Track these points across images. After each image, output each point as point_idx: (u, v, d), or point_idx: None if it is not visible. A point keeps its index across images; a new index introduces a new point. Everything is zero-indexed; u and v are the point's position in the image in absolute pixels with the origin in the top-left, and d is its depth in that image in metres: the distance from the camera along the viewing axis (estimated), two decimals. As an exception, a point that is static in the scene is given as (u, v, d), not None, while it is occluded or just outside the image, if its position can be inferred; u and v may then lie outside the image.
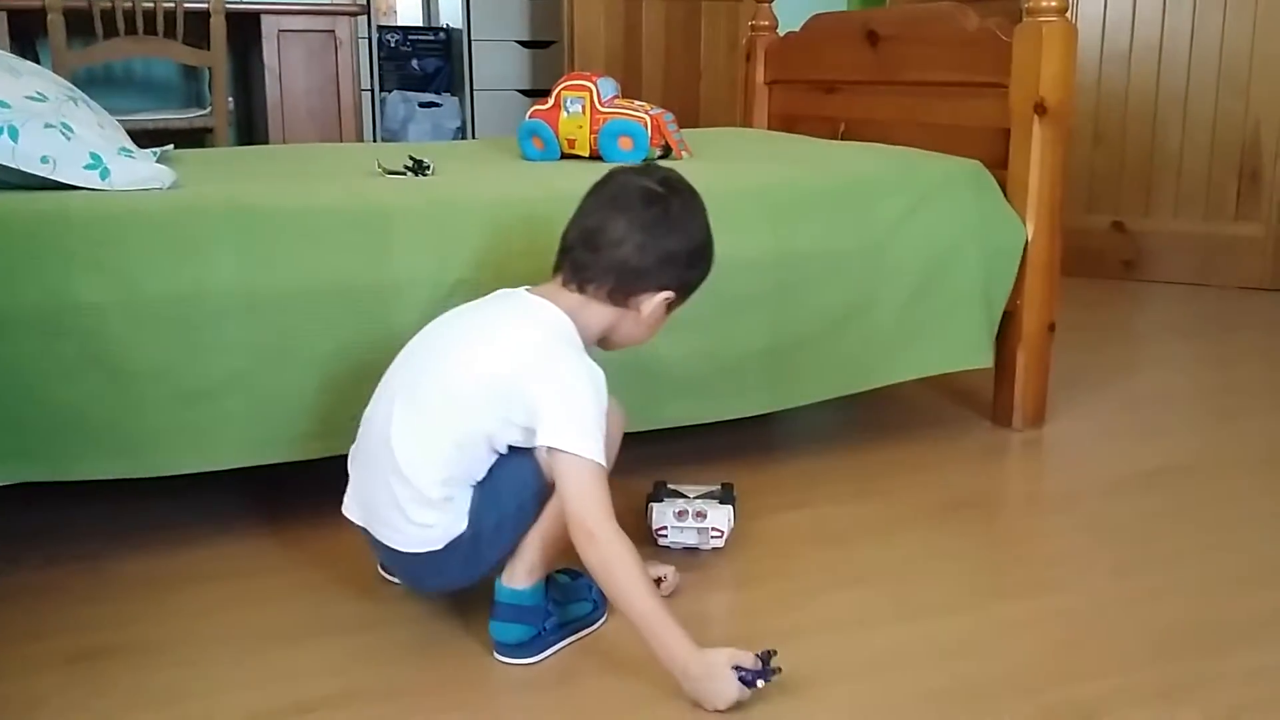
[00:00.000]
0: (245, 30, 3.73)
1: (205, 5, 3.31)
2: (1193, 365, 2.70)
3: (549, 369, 1.32)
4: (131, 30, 3.19)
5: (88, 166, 1.66)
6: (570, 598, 1.42)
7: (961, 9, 2.33)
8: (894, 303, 1.99)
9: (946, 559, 1.65)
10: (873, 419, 2.25)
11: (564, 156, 2.20)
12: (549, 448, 1.29)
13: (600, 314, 1.40)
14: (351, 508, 1.45)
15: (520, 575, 1.36)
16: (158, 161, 1.84)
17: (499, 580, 1.37)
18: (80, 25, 3.18)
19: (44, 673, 1.33)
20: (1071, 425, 2.21)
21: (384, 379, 1.42)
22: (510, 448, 1.35)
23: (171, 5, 3.19)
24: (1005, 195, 2.11)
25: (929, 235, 2.01)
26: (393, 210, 1.70)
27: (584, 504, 1.26)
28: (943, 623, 1.45)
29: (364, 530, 1.43)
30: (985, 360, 2.08)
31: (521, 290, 1.43)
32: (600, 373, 1.34)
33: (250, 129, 4.12)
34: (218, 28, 3.28)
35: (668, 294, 1.41)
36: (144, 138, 2.26)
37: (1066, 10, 2.07)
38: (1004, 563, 1.66)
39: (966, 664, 1.35)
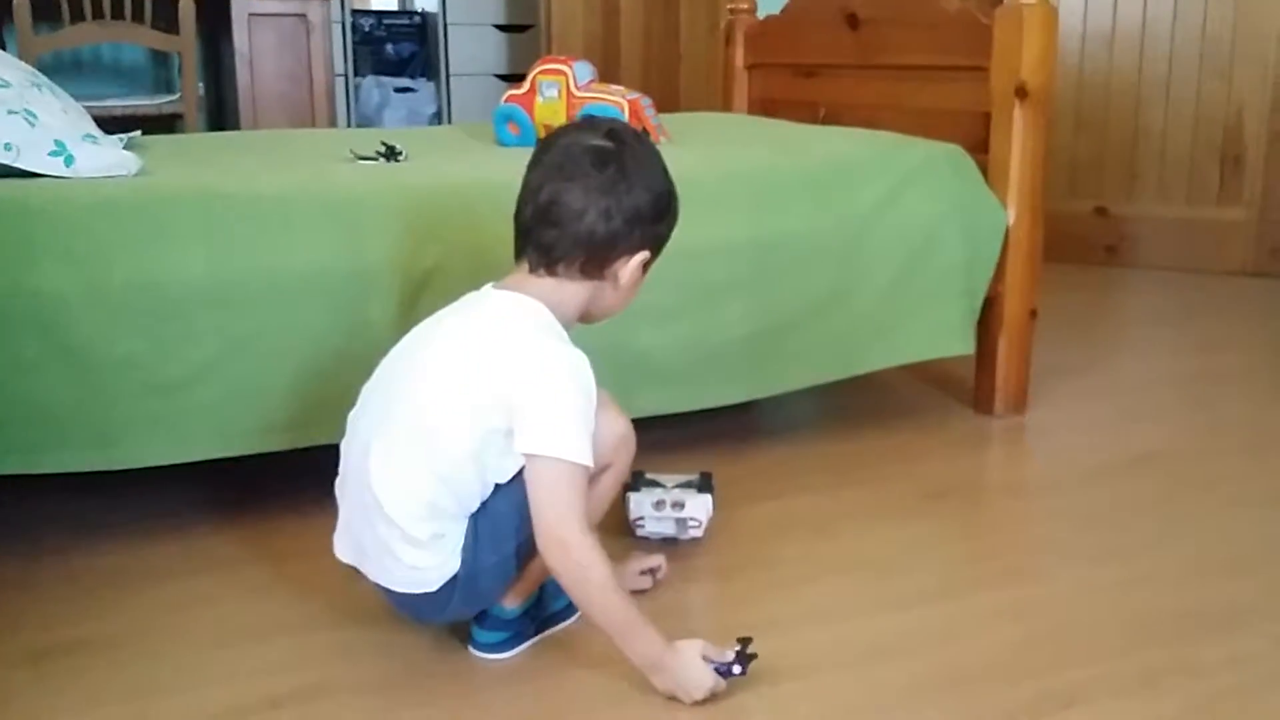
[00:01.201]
0: (215, 14, 3.68)
1: (175, -12, 3.26)
2: (1175, 351, 2.69)
3: (525, 368, 1.22)
4: (99, 15, 3.14)
5: (52, 154, 1.63)
6: (546, 593, 1.40)
7: (942, -9, 2.31)
8: (875, 288, 1.97)
9: (927, 548, 1.64)
10: (852, 406, 2.23)
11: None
12: (524, 454, 1.21)
13: (576, 292, 1.29)
14: (342, 547, 1.34)
15: (511, 597, 1.33)
16: (125, 148, 1.81)
17: None
18: (47, 9, 3.13)
19: (13, 668, 1.30)
20: (1053, 412, 2.20)
21: (358, 405, 1.32)
22: (509, 479, 1.25)
23: (140, -12, 3.15)
24: (986, 180, 2.09)
25: (909, 220, 1.99)
26: (364, 197, 1.67)
27: (555, 510, 1.19)
28: (924, 612, 1.44)
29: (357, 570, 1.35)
30: (967, 347, 2.06)
31: (488, 289, 1.32)
32: (584, 362, 1.24)
33: (221, 115, 4.07)
34: (186, 12, 3.22)
35: (643, 254, 1.31)
36: (112, 124, 2.23)
37: (1047, -7, 2.06)
38: (985, 551, 1.64)
39: (947, 653, 1.34)
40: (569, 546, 1.19)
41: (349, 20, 5.05)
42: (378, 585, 1.31)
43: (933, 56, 2.29)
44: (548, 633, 1.38)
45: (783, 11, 2.82)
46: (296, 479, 1.51)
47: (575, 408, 1.22)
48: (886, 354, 2.01)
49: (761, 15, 2.93)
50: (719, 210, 1.84)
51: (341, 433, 1.33)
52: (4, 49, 3.48)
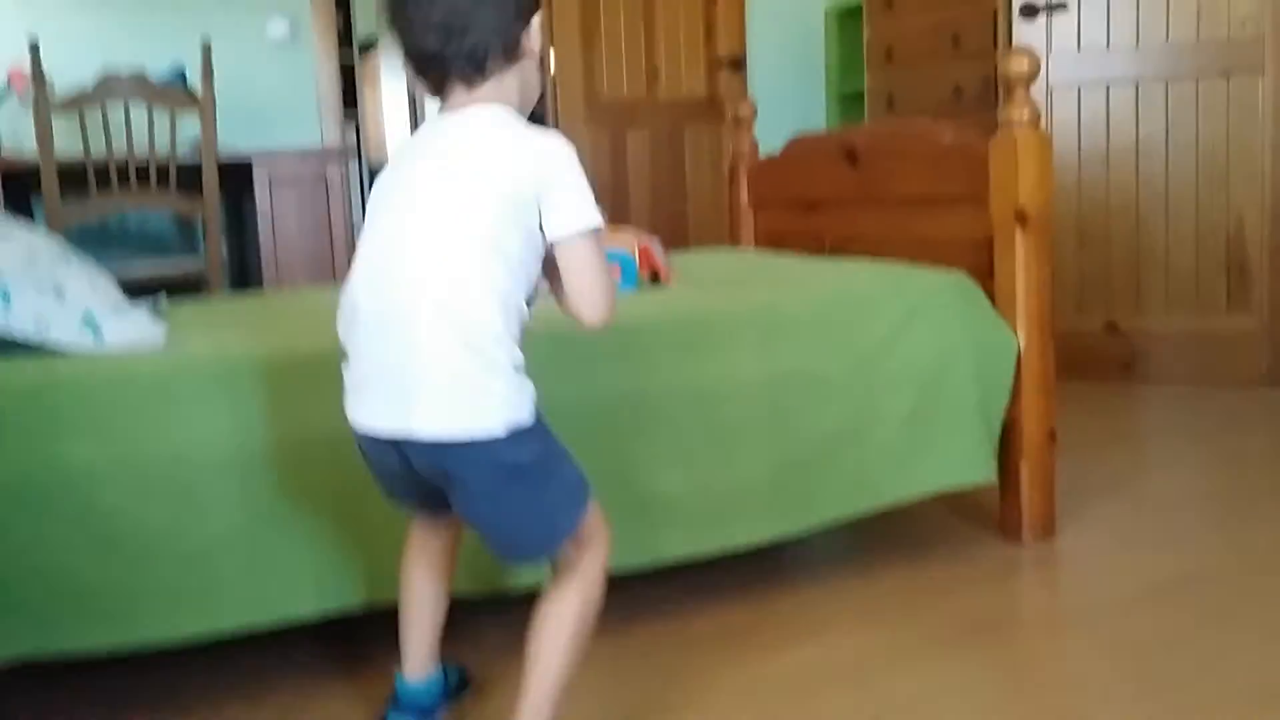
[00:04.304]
0: (237, 177, 3.80)
1: (198, 156, 3.37)
2: (1199, 467, 2.67)
3: (539, 159, 1.25)
4: (125, 184, 3.24)
5: (80, 328, 1.67)
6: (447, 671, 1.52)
7: (936, 124, 2.38)
8: (891, 420, 1.97)
9: (965, 690, 1.60)
10: (876, 539, 2.21)
11: (554, 289, 2.21)
12: (561, 236, 1.25)
13: (510, 83, 1.31)
14: (370, 411, 1.25)
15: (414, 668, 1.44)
16: (151, 315, 1.85)
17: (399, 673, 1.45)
18: (74, 180, 3.24)
19: None
20: (1082, 536, 2.18)
21: (368, 248, 1.29)
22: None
23: (165, 157, 3.26)
24: (994, 305, 2.12)
25: (920, 350, 2.01)
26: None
27: (600, 281, 1.28)
28: (964, 755, 1.40)
29: (391, 471, 1.29)
30: (988, 475, 2.06)
31: (444, 115, 1.31)
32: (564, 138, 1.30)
33: (244, 273, 4.17)
34: (210, 178, 3.34)
35: (537, 15, 1.32)
36: (139, 288, 2.29)
37: (1039, 120, 2.11)
38: (1025, 691, 1.61)
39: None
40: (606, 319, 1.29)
41: (367, 175, 5.21)
42: (424, 467, 1.25)
43: (932, 187, 2.34)
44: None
45: (783, 151, 2.90)
46: (325, 647, 1.50)
47: (583, 178, 1.27)
48: (908, 486, 2.00)
49: (763, 155, 3.01)
50: (731, 349, 1.87)
51: (370, 599, 1.33)
52: (34, 220, 3.60)
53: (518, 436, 1.23)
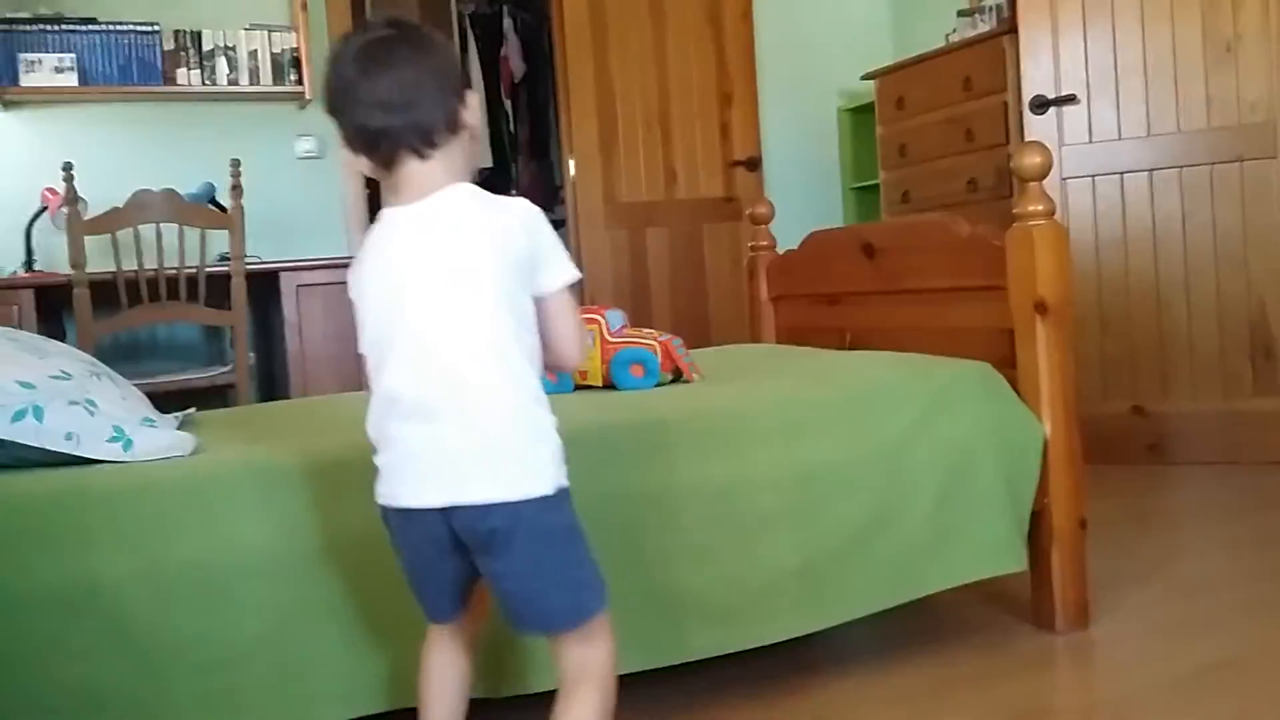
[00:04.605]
0: (265, 287, 3.88)
1: (226, 267, 3.45)
2: (1231, 549, 2.63)
3: (520, 228, 1.34)
4: (155, 297, 3.31)
5: (110, 440, 1.69)
6: None
7: (952, 218, 2.40)
8: (918, 511, 1.96)
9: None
10: (907, 631, 2.18)
11: (577, 388, 2.23)
12: (550, 291, 1.37)
13: (455, 154, 1.37)
14: (418, 487, 1.29)
15: None
16: (180, 427, 1.88)
17: None
18: (105, 296, 3.31)
19: None
20: (1117, 624, 2.14)
21: (388, 354, 1.33)
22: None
23: (193, 270, 3.33)
24: (1018, 394, 2.11)
25: (945, 440, 2.01)
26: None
27: (578, 327, 1.43)
28: None
29: (426, 553, 1.34)
30: (1019, 563, 2.03)
31: (403, 208, 1.36)
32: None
33: (271, 381, 4.22)
34: (238, 288, 3.41)
35: (469, 91, 1.40)
36: (168, 398, 2.32)
37: (1054, 212, 2.13)
38: (1065, 783, 1.57)
39: None
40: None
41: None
42: (464, 533, 1.30)
43: (950, 279, 2.36)
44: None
45: (801, 246, 2.94)
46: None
47: (554, 236, 1.40)
48: (938, 577, 1.98)
49: (781, 250, 3.05)
50: (755, 443, 1.87)
51: (395, 703, 1.32)
52: (64, 337, 3.67)
53: (561, 497, 1.32)
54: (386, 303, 1.34)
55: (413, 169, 1.35)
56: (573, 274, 1.39)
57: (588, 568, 1.35)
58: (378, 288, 1.36)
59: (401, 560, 1.40)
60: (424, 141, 1.34)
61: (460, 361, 1.29)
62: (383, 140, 1.34)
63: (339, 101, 1.35)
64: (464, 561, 1.34)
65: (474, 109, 1.40)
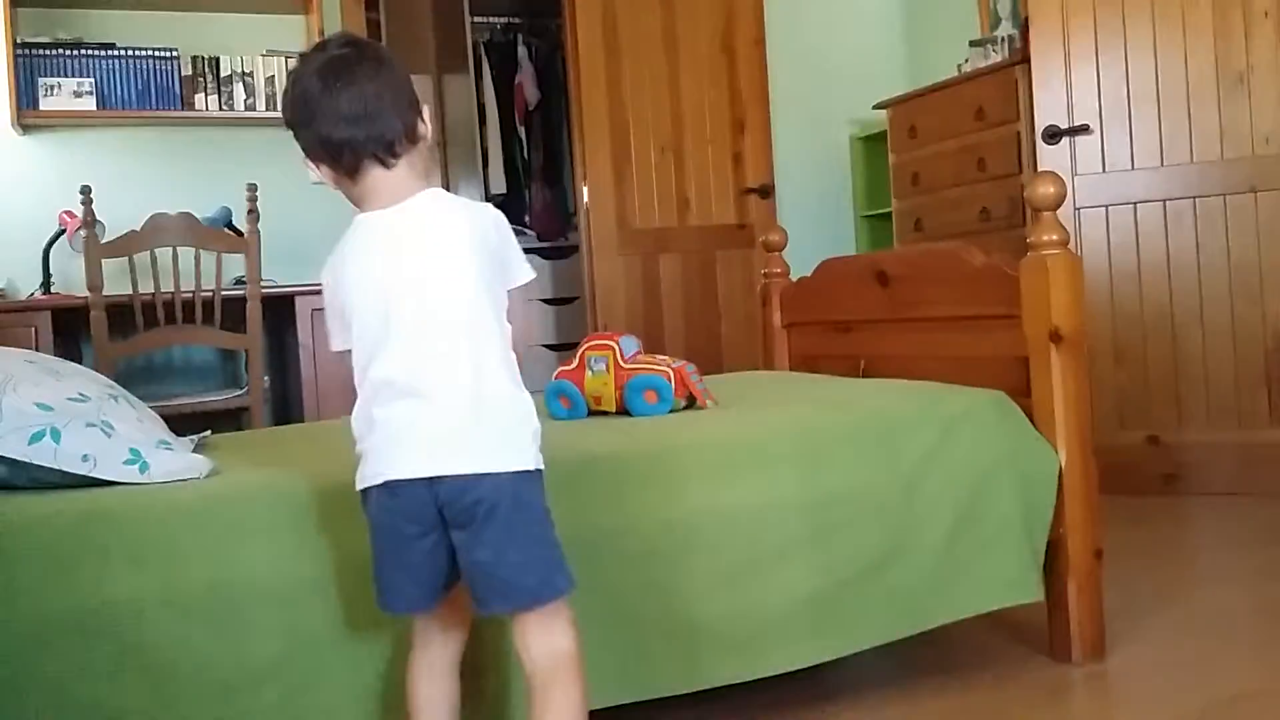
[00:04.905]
0: (280, 311, 3.90)
1: (242, 291, 3.47)
2: (1247, 581, 2.61)
3: (489, 229, 1.44)
4: (171, 320, 3.33)
5: (127, 462, 1.70)
6: None
7: (966, 247, 2.41)
8: (933, 540, 1.95)
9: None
10: (922, 661, 2.17)
11: (591, 414, 2.24)
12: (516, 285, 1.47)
13: (416, 161, 1.45)
14: (410, 460, 1.35)
15: None
16: (195, 449, 1.89)
17: None
18: (122, 319, 3.33)
19: None
20: (1135, 655, 2.12)
21: (379, 348, 1.39)
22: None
23: (209, 294, 3.35)
24: (1033, 423, 2.11)
25: (960, 469, 2.00)
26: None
27: None
28: None
29: (405, 530, 1.37)
30: (1034, 594, 2.02)
31: (393, 212, 1.43)
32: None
33: (286, 404, 4.23)
34: (254, 312, 3.42)
35: (425, 106, 1.47)
36: (183, 421, 2.33)
37: (1068, 241, 2.13)
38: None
39: None
40: None
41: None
42: (446, 505, 1.35)
43: (964, 308, 2.36)
44: None
45: (815, 273, 2.94)
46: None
47: (515, 239, 1.49)
48: (952, 607, 1.97)
49: (794, 277, 3.05)
50: (769, 471, 1.87)
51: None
52: (80, 359, 3.69)
53: (539, 477, 1.41)
54: (376, 301, 1.40)
55: (378, 176, 1.43)
56: (530, 274, 1.50)
57: (558, 550, 1.41)
58: (367, 289, 1.41)
59: (377, 545, 1.41)
60: (387, 151, 1.42)
61: (451, 344, 1.37)
62: (346, 150, 1.41)
63: (302, 115, 1.42)
64: (441, 543, 1.38)
65: (428, 121, 1.49)
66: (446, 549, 1.39)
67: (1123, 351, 3.59)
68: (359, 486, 1.41)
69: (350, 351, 1.44)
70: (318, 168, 1.46)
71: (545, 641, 1.38)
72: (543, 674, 1.37)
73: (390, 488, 1.36)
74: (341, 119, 1.40)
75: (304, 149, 1.45)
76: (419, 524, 1.37)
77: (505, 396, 1.39)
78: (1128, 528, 3.03)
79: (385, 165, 1.42)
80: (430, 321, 1.38)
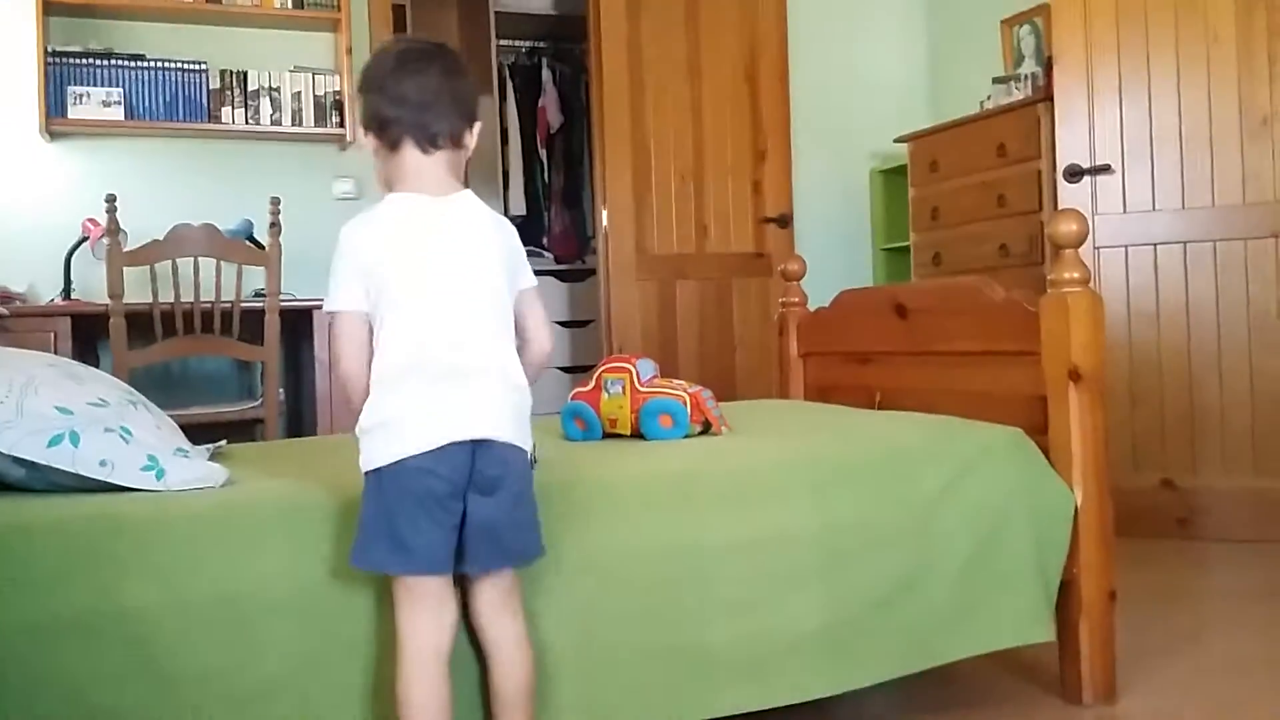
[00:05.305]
0: (297, 324, 3.91)
1: (261, 303, 3.48)
2: (1260, 628, 2.58)
3: (510, 234, 1.66)
4: (189, 330, 3.34)
5: (144, 468, 1.71)
6: None
7: (987, 282, 2.40)
8: (946, 576, 1.94)
9: None
10: (932, 699, 2.15)
11: (606, 436, 2.24)
12: (525, 289, 1.67)
13: (455, 162, 1.63)
14: (457, 423, 1.49)
15: None
16: (210, 458, 1.89)
17: None
18: (140, 327, 3.34)
19: None
20: (1146, 699, 2.10)
21: (416, 304, 1.54)
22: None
23: (228, 305, 3.37)
24: (1049, 461, 2.10)
25: (975, 505, 1.99)
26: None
27: (547, 321, 1.72)
28: None
29: (441, 488, 1.48)
30: (1046, 634, 2.01)
31: (436, 202, 1.58)
32: None
33: (299, 417, 4.24)
34: (271, 325, 3.43)
35: (477, 123, 1.65)
36: (198, 430, 2.34)
37: (1090, 279, 2.13)
38: None
39: None
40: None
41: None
42: (478, 463, 1.50)
43: (983, 343, 2.36)
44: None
45: (833, 304, 2.94)
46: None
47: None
48: (963, 644, 1.96)
49: (812, 308, 3.05)
50: (783, 500, 1.86)
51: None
52: (98, 366, 3.71)
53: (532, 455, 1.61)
54: (417, 275, 1.54)
55: (415, 158, 1.60)
56: (534, 279, 1.71)
57: (539, 521, 1.60)
58: (408, 261, 1.55)
59: (406, 510, 1.48)
60: (428, 140, 1.59)
61: (490, 330, 1.57)
62: (392, 126, 1.59)
63: (368, 85, 1.61)
64: (460, 509, 1.50)
65: (474, 137, 1.65)
66: (461, 513, 1.51)
67: (1139, 393, 3.57)
68: (397, 457, 1.48)
69: (340, 314, 1.57)
70: (366, 135, 1.62)
71: (510, 616, 1.56)
72: (508, 644, 1.55)
73: (437, 453, 1.47)
74: (398, 99, 1.57)
75: (361, 117, 1.63)
76: (452, 486, 1.49)
77: (523, 386, 1.59)
78: (1139, 570, 3.01)
79: (422, 150, 1.59)
80: (476, 305, 1.56)
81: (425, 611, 1.51)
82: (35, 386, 1.72)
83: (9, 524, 1.52)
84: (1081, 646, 2.07)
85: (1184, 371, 3.52)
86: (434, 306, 1.54)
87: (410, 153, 1.59)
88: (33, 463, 1.66)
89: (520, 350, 1.64)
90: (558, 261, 6.20)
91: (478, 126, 1.65)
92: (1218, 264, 3.47)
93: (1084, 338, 2.10)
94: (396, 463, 1.48)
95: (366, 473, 1.52)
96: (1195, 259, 3.50)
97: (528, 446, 1.58)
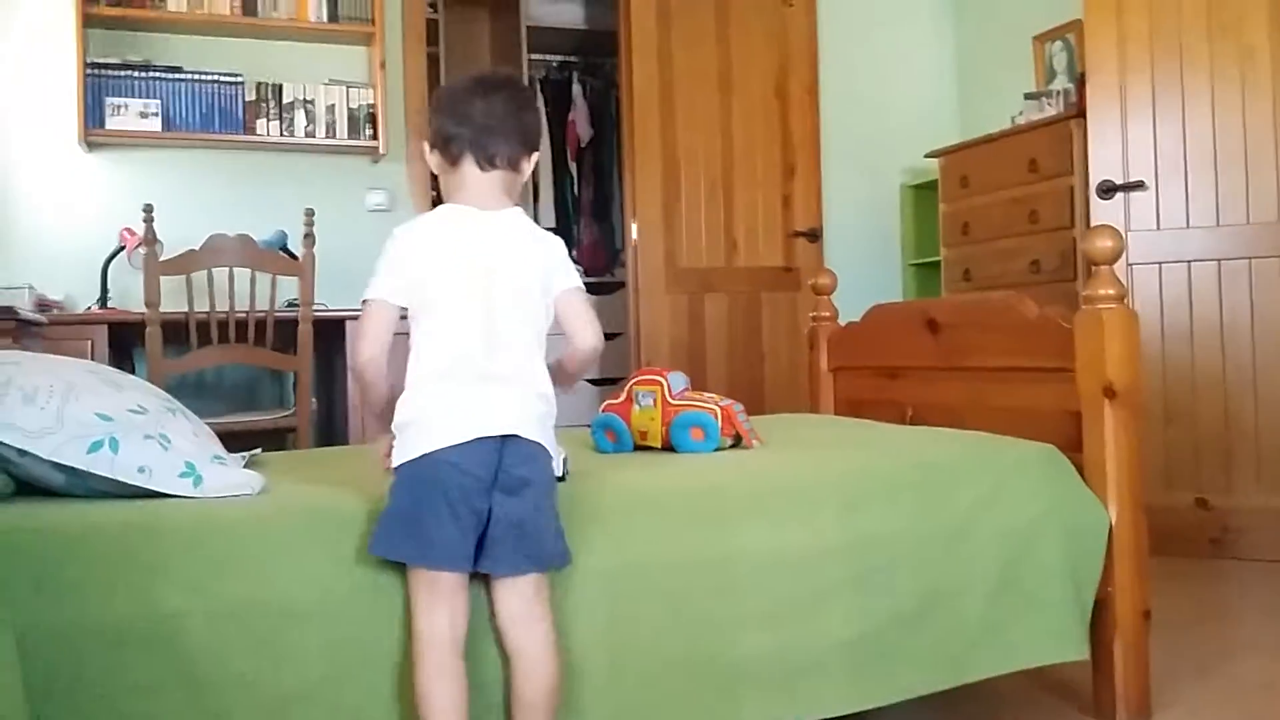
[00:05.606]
0: (330, 334, 3.94)
1: (294, 313, 3.51)
2: (1299, 649, 2.56)
3: (556, 246, 1.74)
4: (224, 339, 3.37)
5: (182, 475, 1.72)
6: None
7: (1020, 298, 2.39)
8: (978, 592, 1.93)
9: None
10: (962, 715, 2.14)
11: (637, 448, 2.24)
12: (568, 289, 1.72)
13: (510, 184, 1.71)
14: (489, 420, 1.55)
15: None
16: (245, 466, 1.91)
17: None
18: (175, 335, 3.38)
19: None
20: (1178, 719, 2.08)
21: (459, 307, 1.61)
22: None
23: (263, 314, 3.40)
24: (1083, 478, 2.09)
25: (1008, 522, 1.98)
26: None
27: (595, 320, 1.76)
28: None
29: (468, 484, 1.52)
30: (1080, 652, 1.99)
31: (484, 215, 1.67)
32: None
33: (330, 427, 4.26)
34: (305, 334, 3.46)
35: (537, 153, 1.73)
36: (230, 438, 2.35)
37: (1125, 296, 2.12)
38: None
39: None
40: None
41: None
42: (507, 461, 1.55)
43: (1016, 359, 2.35)
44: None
45: (864, 318, 2.94)
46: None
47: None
48: (996, 661, 1.95)
49: (843, 322, 3.05)
50: (813, 514, 1.86)
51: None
52: (134, 373, 3.74)
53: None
54: (462, 281, 1.62)
55: (473, 174, 1.68)
56: (579, 280, 1.75)
57: (562, 528, 1.62)
58: (454, 267, 1.63)
59: (432, 503, 1.52)
60: (486, 160, 1.67)
61: (526, 339, 1.64)
62: (453, 143, 1.68)
63: (440, 107, 1.70)
64: (485, 506, 1.54)
65: (532, 165, 1.74)
66: (486, 513, 1.54)
67: (1172, 411, 3.54)
68: (425, 450, 1.53)
69: (374, 301, 1.65)
70: (431, 152, 1.71)
71: (534, 623, 1.56)
72: (530, 652, 1.55)
73: (466, 447, 1.52)
74: (464, 118, 1.67)
75: (429, 136, 1.72)
76: (479, 481, 1.53)
77: (550, 395, 1.65)
78: (1173, 590, 2.98)
79: (480, 168, 1.67)
80: (510, 316, 1.62)
81: (441, 606, 1.52)
82: (76, 393, 1.74)
83: (46, 529, 1.54)
84: (1116, 665, 2.05)
85: (1218, 389, 3.49)
86: (471, 313, 1.60)
87: (469, 169, 1.67)
88: (73, 468, 1.67)
89: (566, 347, 1.73)
90: (586, 274, 6.20)
91: (536, 156, 1.74)
92: (1253, 281, 3.44)
93: (1119, 354, 2.08)
94: (424, 455, 1.53)
95: (396, 468, 1.57)
96: (1230, 276, 3.47)
97: (553, 450, 1.62)
